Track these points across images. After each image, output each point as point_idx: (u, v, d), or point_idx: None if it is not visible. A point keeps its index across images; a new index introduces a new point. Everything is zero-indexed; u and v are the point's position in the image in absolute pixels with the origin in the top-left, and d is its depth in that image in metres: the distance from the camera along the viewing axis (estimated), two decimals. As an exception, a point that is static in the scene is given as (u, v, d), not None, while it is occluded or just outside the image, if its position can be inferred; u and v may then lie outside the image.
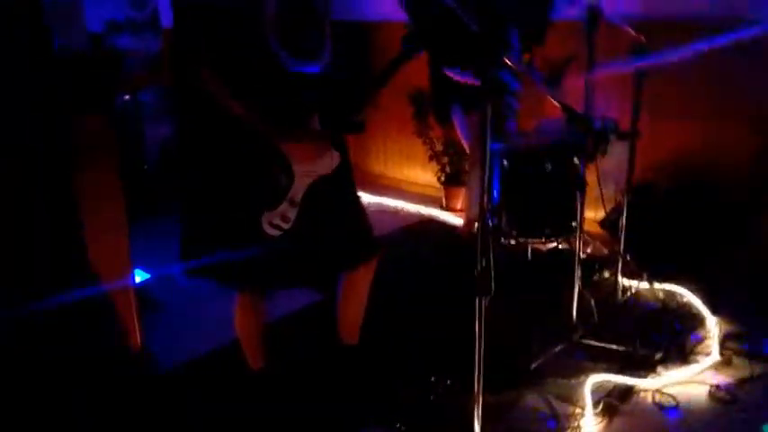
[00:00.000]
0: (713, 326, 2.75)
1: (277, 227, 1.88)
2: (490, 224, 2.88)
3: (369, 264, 2.24)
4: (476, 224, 2.87)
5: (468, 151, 3.45)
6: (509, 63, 2.22)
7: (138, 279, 2.77)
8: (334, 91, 1.97)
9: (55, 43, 1.95)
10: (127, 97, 3.67)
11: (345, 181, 2.11)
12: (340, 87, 2.00)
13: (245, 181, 1.90)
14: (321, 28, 1.91)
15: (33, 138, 2.01)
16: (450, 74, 3.10)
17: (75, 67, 2.15)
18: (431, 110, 3.68)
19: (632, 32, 2.52)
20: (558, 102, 1.96)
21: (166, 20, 4.03)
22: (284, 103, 1.85)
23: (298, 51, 1.84)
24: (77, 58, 2.25)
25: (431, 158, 4.58)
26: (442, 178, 4.56)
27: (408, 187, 4.93)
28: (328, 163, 1.94)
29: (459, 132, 3.38)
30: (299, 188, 1.90)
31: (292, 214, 1.89)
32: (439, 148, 4.52)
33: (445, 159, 4.51)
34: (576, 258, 2.71)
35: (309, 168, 1.90)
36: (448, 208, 4.51)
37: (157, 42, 3.99)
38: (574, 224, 2.79)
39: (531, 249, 3.37)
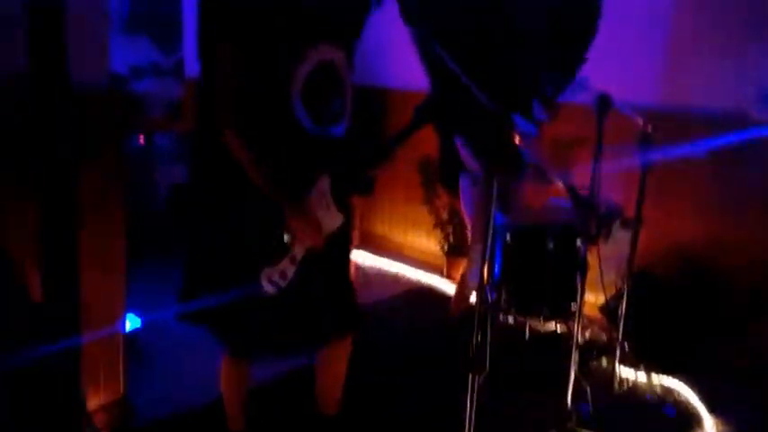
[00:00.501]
0: (710, 428, 2.67)
1: (275, 284, 1.86)
2: (489, 299, 2.90)
3: (347, 338, 2.21)
4: (469, 299, 2.84)
5: (467, 223, 3.45)
6: (518, 142, 2.26)
7: (128, 325, 2.73)
8: (349, 153, 2.00)
9: (72, 78, 1.97)
10: (141, 139, 3.74)
11: (343, 245, 2.11)
12: (355, 149, 2.02)
13: (250, 233, 1.89)
14: (344, 95, 1.94)
15: (36, 175, 2.02)
16: (460, 146, 3.14)
17: (90, 107, 2.18)
18: (438, 176, 3.70)
19: (640, 122, 2.56)
20: (563, 184, 1.98)
21: (191, 69, 4.15)
22: (300, 165, 1.87)
23: (321, 117, 1.87)
24: (94, 98, 2.28)
25: (435, 226, 4.58)
26: (446, 247, 4.55)
27: (411, 253, 4.92)
28: (332, 224, 1.94)
29: (462, 203, 3.39)
30: (301, 246, 1.88)
31: (291, 272, 1.87)
32: (444, 216, 4.53)
33: (450, 229, 4.51)
34: (574, 342, 2.67)
35: (313, 231, 1.89)
36: (449, 277, 4.47)
37: (179, 89, 4.09)
38: (573, 307, 2.76)
39: (529, 329, 3.33)
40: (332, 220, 1.94)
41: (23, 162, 2.03)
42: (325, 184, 1.90)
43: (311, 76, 1.83)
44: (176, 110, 4.13)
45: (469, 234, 3.43)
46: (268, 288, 1.85)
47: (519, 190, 3.08)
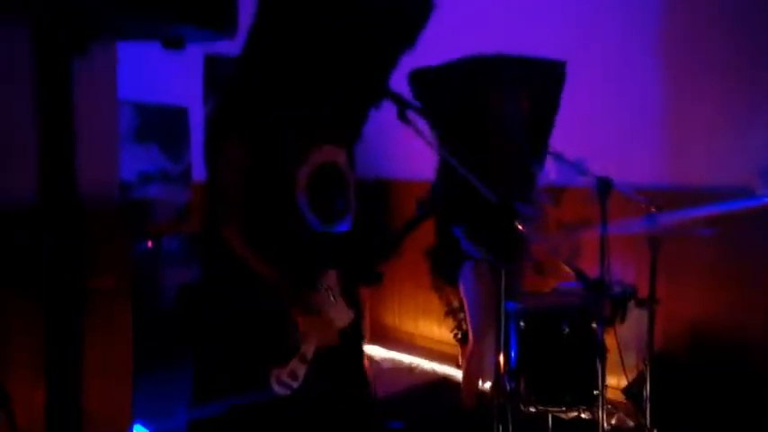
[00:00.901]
0: None
1: (286, 385, 1.80)
2: (508, 388, 2.81)
3: None
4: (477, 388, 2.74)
5: (467, 311, 3.38)
6: (522, 231, 2.27)
7: (136, 435, 2.64)
8: (355, 247, 2.00)
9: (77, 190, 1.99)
10: (150, 244, 3.78)
11: (355, 340, 2.07)
12: (360, 243, 2.02)
13: (257, 333, 1.85)
14: (347, 192, 1.98)
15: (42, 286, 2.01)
16: (461, 237, 3.14)
17: (99, 219, 2.20)
18: (437, 267, 3.66)
19: (642, 203, 2.58)
20: (570, 267, 1.97)
21: (198, 174, 4.27)
22: (305, 261, 1.86)
23: (325, 215, 1.89)
24: (103, 210, 2.31)
25: (447, 314, 4.50)
26: (459, 335, 4.45)
27: (423, 342, 4.82)
28: (342, 320, 1.91)
29: (462, 290, 3.34)
30: (311, 344, 1.84)
31: (302, 372, 1.81)
32: (455, 304, 4.46)
33: (461, 315, 4.42)
34: (601, 430, 2.56)
35: (321, 328, 1.86)
36: (461, 365, 4.36)
37: (186, 194, 4.18)
38: (596, 392, 2.67)
39: (552, 417, 3.20)
40: (342, 315, 1.91)
41: (28, 275, 2.04)
42: (332, 278, 1.89)
43: (315, 176, 1.86)
44: (184, 214, 4.19)
45: (470, 322, 3.37)
46: (279, 390, 1.79)
47: (521, 274, 3.07)
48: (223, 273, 1.91)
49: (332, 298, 1.88)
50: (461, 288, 3.34)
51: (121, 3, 0.83)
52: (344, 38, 1.80)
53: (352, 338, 2.03)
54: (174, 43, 0.99)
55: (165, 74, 3.48)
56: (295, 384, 1.81)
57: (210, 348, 1.98)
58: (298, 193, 1.83)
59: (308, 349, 1.83)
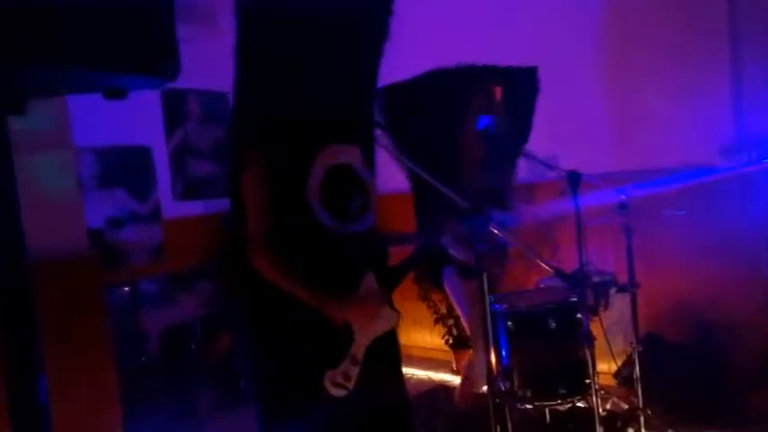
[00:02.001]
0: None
1: (340, 386, 1.79)
2: (502, 388, 2.81)
3: None
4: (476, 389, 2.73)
5: (462, 317, 3.39)
6: (497, 232, 2.29)
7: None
8: (382, 246, 1.99)
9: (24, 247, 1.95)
10: (126, 289, 3.72)
11: (395, 344, 2.07)
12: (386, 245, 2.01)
13: (306, 340, 1.83)
14: (366, 190, 1.95)
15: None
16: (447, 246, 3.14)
17: (70, 269, 2.17)
18: (420, 274, 3.67)
19: (612, 192, 2.62)
20: (545, 264, 1.98)
21: (169, 211, 4.22)
22: (336, 269, 1.85)
23: (342, 216, 1.87)
24: (73, 260, 2.28)
25: (436, 322, 4.52)
26: (450, 341, 4.46)
27: (417, 352, 4.81)
28: (387, 320, 1.90)
29: (450, 294, 3.35)
30: (360, 345, 1.83)
31: (354, 373, 1.81)
32: (443, 310, 4.48)
33: (450, 322, 4.44)
34: (596, 416, 2.58)
35: (369, 327, 1.86)
36: (458, 371, 4.36)
37: (158, 233, 4.13)
38: (588, 381, 2.69)
39: (549, 410, 3.21)
40: (387, 314, 1.90)
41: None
42: (371, 280, 1.88)
43: (329, 178, 1.84)
44: (159, 253, 4.15)
45: (466, 324, 3.38)
46: (334, 392, 1.79)
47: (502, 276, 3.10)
48: (254, 302, 1.88)
49: (376, 298, 1.88)
50: (449, 292, 3.35)
51: (57, 59, 0.81)
52: (324, 35, 1.79)
53: (393, 341, 2.02)
54: (116, 94, 0.97)
55: (122, 115, 3.44)
56: (349, 385, 1.81)
57: (264, 378, 1.94)
58: (312, 200, 1.81)
59: (359, 350, 1.83)
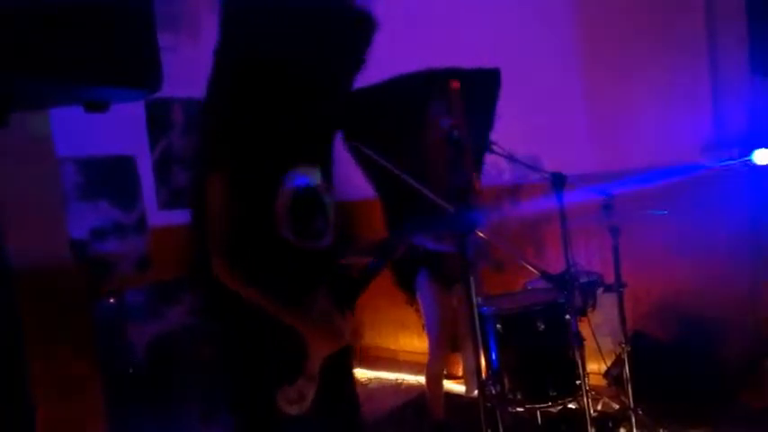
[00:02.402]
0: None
1: (295, 403, 1.78)
2: (493, 392, 2.82)
3: None
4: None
5: (426, 322, 3.38)
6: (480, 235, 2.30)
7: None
8: (340, 264, 2.03)
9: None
10: (112, 300, 3.68)
11: (347, 360, 2.08)
12: (342, 261, 2.04)
13: (263, 355, 1.83)
14: (327, 212, 1.99)
15: None
16: (421, 242, 3.14)
17: (54, 280, 2.14)
18: (397, 278, 3.66)
19: (596, 193, 2.64)
20: (530, 265, 1.99)
21: (154, 220, 4.18)
22: (293, 280, 1.86)
23: (305, 234, 1.90)
24: (57, 271, 2.25)
25: (424, 326, 4.50)
26: (438, 344, 4.45)
27: (406, 357, 4.81)
28: (340, 338, 1.90)
29: (420, 302, 3.35)
30: (314, 361, 1.83)
31: (309, 390, 1.81)
32: (430, 314, 4.46)
33: (438, 325, 4.43)
34: (588, 417, 2.58)
35: (323, 344, 1.86)
36: (449, 375, 4.35)
37: (143, 243, 4.09)
38: (578, 382, 2.70)
39: (541, 412, 3.22)
40: (340, 332, 1.88)
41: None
42: (325, 298, 1.89)
43: (293, 198, 1.87)
44: (144, 264, 4.11)
45: (426, 328, 3.37)
46: (289, 410, 1.77)
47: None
48: (219, 302, 1.87)
49: (330, 311, 1.89)
50: (419, 295, 3.36)
51: (37, 72, 0.81)
52: (301, 65, 1.82)
53: (345, 357, 2.02)
54: (98, 106, 0.96)
55: (105, 125, 3.40)
56: (304, 404, 1.79)
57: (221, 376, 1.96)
58: (279, 217, 1.83)
59: (314, 367, 1.82)
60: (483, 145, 3.07)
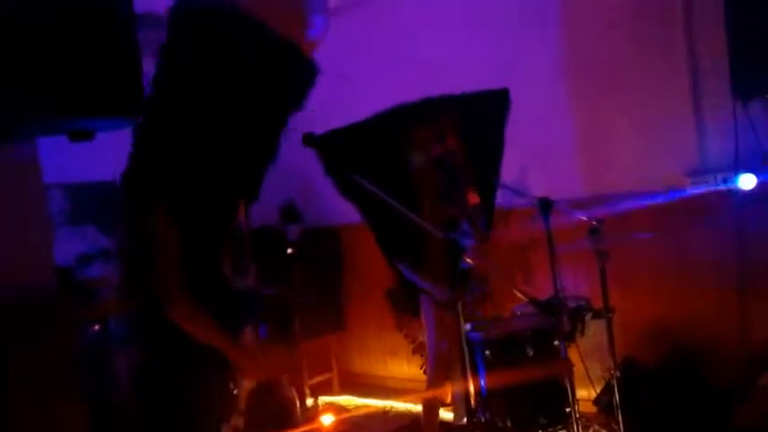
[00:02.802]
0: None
1: None
2: (482, 419, 2.79)
3: None
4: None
5: (428, 347, 3.37)
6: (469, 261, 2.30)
7: None
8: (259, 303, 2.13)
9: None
10: (96, 327, 3.63)
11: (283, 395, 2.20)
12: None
13: (206, 394, 1.87)
14: (248, 250, 2.06)
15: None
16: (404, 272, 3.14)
17: (38, 308, 2.12)
18: (398, 303, 3.65)
19: (583, 217, 2.65)
20: (519, 292, 1.99)
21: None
22: (230, 317, 1.90)
23: (237, 270, 1.96)
24: (41, 298, 2.22)
25: (414, 352, 4.47)
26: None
27: (395, 384, 4.76)
28: (262, 374, 2.01)
29: (424, 325, 3.34)
30: (242, 395, 1.91)
31: (241, 424, 1.88)
32: (421, 338, 4.44)
33: (428, 350, 4.41)
34: (578, 446, 2.56)
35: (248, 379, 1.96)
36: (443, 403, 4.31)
37: (130, 269, 4.06)
38: (568, 409, 2.69)
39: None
40: (261, 370, 1.96)
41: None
42: (249, 334, 1.98)
43: (231, 241, 1.94)
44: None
45: (429, 351, 3.36)
46: None
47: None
48: (168, 347, 1.87)
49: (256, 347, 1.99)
50: (423, 320, 3.33)
51: (20, 103, 0.80)
52: (240, 104, 1.85)
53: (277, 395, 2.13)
54: (83, 135, 0.96)
55: (92, 151, 3.38)
56: None
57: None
58: (222, 256, 1.88)
59: (242, 401, 1.90)
60: (492, 168, 3.08)
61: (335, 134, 2.89)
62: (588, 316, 2.87)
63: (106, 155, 3.83)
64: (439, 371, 3.24)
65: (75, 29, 0.79)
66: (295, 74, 1.96)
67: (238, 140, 1.88)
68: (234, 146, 1.87)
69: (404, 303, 3.55)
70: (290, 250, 4.45)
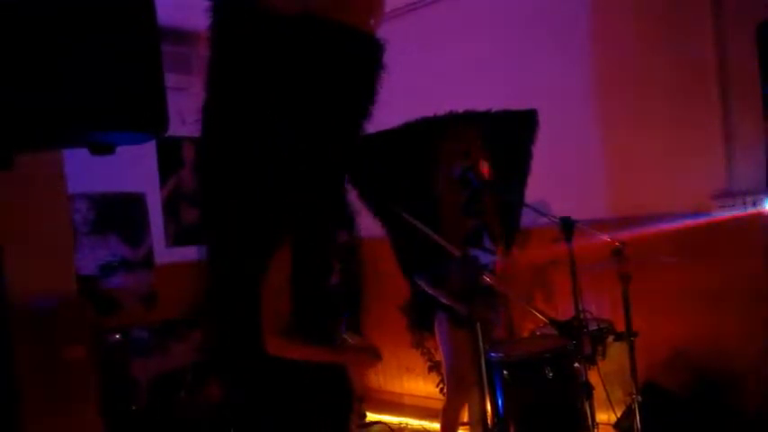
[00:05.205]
0: None
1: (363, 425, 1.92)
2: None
3: None
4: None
5: (444, 365, 3.32)
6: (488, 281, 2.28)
7: None
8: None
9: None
10: (117, 336, 3.67)
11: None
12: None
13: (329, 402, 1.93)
14: None
15: None
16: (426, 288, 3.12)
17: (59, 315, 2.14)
18: (413, 320, 3.62)
19: (606, 238, 2.61)
20: (539, 314, 1.96)
21: (160, 257, 4.20)
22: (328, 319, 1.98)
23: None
24: (63, 305, 2.25)
25: (430, 369, 4.44)
26: (444, 389, 4.37)
27: (410, 401, 4.72)
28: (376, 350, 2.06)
29: (439, 343, 3.30)
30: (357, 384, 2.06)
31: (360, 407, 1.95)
32: (438, 357, 4.40)
33: (445, 368, 4.36)
34: (597, 472, 2.50)
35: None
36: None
37: (150, 279, 4.10)
38: (588, 432, 2.63)
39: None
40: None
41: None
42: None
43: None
44: (150, 300, 4.11)
45: (446, 372, 3.31)
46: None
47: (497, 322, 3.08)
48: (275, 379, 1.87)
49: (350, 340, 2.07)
50: (438, 338, 3.30)
51: (43, 116, 0.81)
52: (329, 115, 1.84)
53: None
54: (104, 149, 0.97)
55: (117, 162, 3.44)
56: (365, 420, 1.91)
57: None
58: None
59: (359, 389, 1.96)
60: (517, 188, 3.07)
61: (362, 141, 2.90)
62: (610, 338, 2.81)
63: (131, 166, 3.91)
64: (458, 389, 3.20)
65: (97, 41, 0.80)
66: (368, 64, 1.88)
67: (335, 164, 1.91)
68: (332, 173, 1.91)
69: (417, 318, 3.51)
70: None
